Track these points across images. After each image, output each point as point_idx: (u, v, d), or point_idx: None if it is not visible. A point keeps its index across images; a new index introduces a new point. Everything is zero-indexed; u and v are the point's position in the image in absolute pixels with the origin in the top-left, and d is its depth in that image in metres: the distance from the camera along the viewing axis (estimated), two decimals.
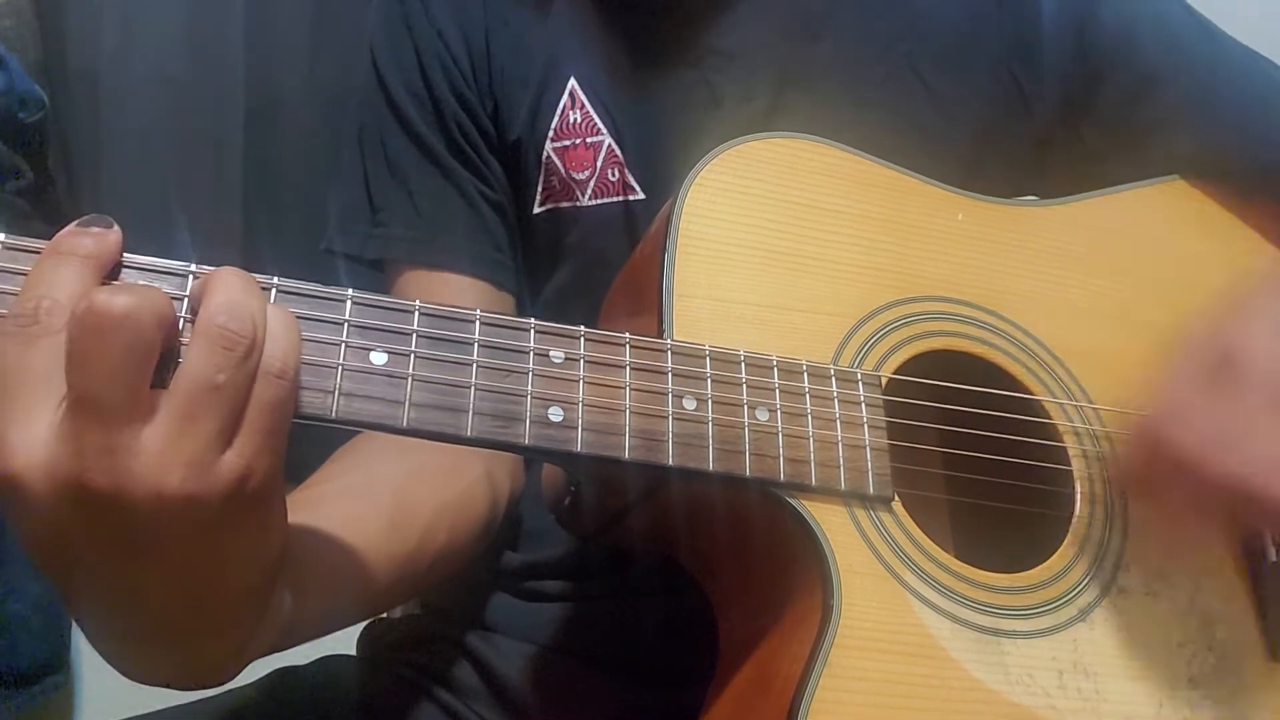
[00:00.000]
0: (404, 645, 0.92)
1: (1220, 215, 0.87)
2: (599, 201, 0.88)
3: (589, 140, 0.88)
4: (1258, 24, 0.96)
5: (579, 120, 0.88)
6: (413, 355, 0.56)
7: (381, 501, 0.72)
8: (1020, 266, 0.78)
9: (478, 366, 0.57)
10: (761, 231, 0.71)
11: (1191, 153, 0.88)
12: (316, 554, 0.63)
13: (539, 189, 0.90)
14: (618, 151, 0.88)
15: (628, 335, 0.62)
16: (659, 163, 0.87)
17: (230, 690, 0.84)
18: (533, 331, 0.60)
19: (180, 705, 0.81)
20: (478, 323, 0.58)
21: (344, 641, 0.98)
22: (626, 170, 0.88)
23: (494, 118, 0.91)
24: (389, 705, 0.84)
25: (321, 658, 0.90)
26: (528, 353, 0.59)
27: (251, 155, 1.33)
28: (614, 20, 0.90)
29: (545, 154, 0.89)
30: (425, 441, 0.57)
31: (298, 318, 0.53)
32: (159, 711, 0.80)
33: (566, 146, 0.89)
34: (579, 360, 0.60)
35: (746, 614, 0.69)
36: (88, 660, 1.37)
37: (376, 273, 0.93)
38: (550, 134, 0.89)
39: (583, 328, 0.61)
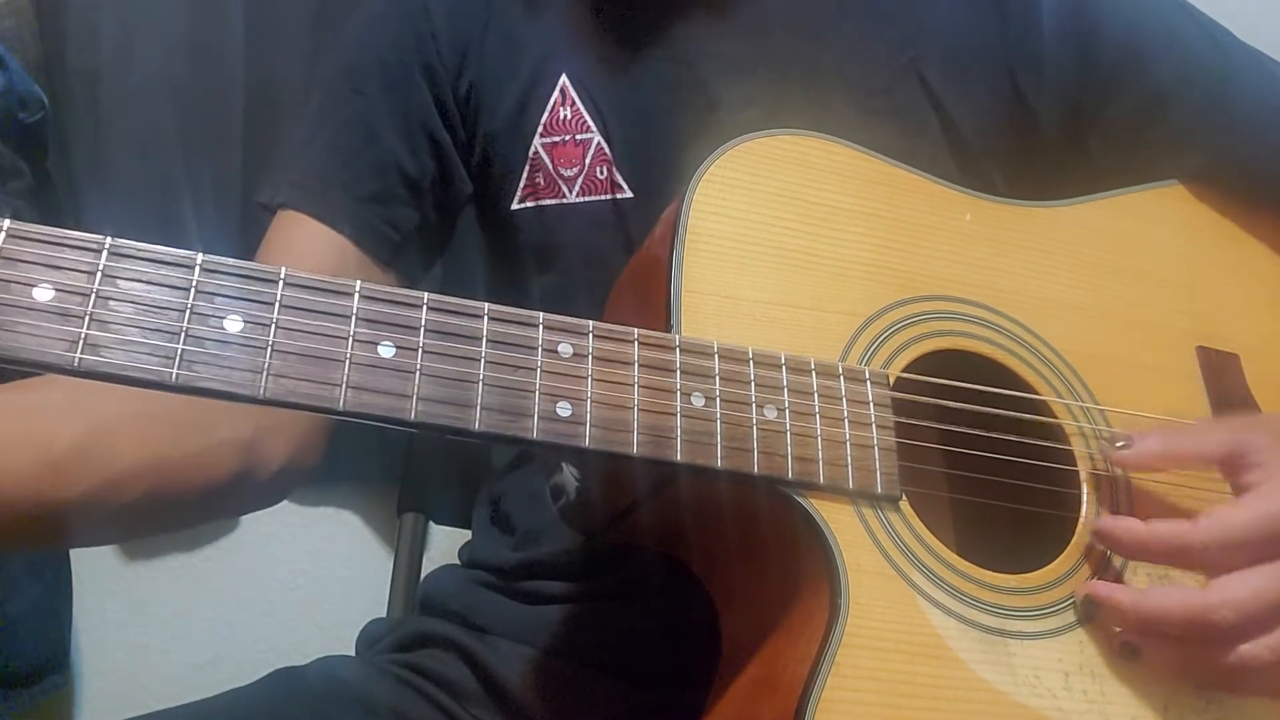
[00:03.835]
0: (403, 646, 0.92)
1: (1221, 220, 0.87)
2: (586, 199, 0.88)
3: (578, 137, 0.88)
4: (1258, 24, 0.96)
5: (569, 117, 0.88)
6: (420, 348, 0.56)
7: (48, 436, 0.68)
8: (1027, 267, 0.78)
9: (486, 360, 0.57)
10: (770, 229, 0.71)
11: (1204, 165, 0.87)
12: None
13: (521, 184, 0.90)
14: (606, 150, 0.88)
15: (636, 331, 0.62)
16: (648, 162, 0.87)
17: (230, 690, 0.84)
18: (541, 326, 0.59)
19: (180, 706, 0.81)
20: (486, 316, 0.58)
21: (344, 641, 0.98)
22: (615, 169, 0.88)
23: (467, 104, 0.91)
24: (388, 706, 0.84)
25: (321, 658, 0.90)
26: (536, 347, 0.59)
27: (252, 155, 1.32)
28: (609, 18, 0.90)
29: (533, 149, 0.89)
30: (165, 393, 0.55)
31: (305, 310, 0.53)
32: (159, 712, 0.79)
33: (556, 143, 0.88)
34: (587, 355, 0.60)
35: (751, 613, 0.68)
36: (88, 660, 1.37)
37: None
38: (540, 129, 0.89)
39: (591, 322, 0.61)
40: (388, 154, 0.90)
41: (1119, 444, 0.70)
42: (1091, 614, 0.67)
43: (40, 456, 0.67)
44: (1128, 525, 0.68)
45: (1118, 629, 0.67)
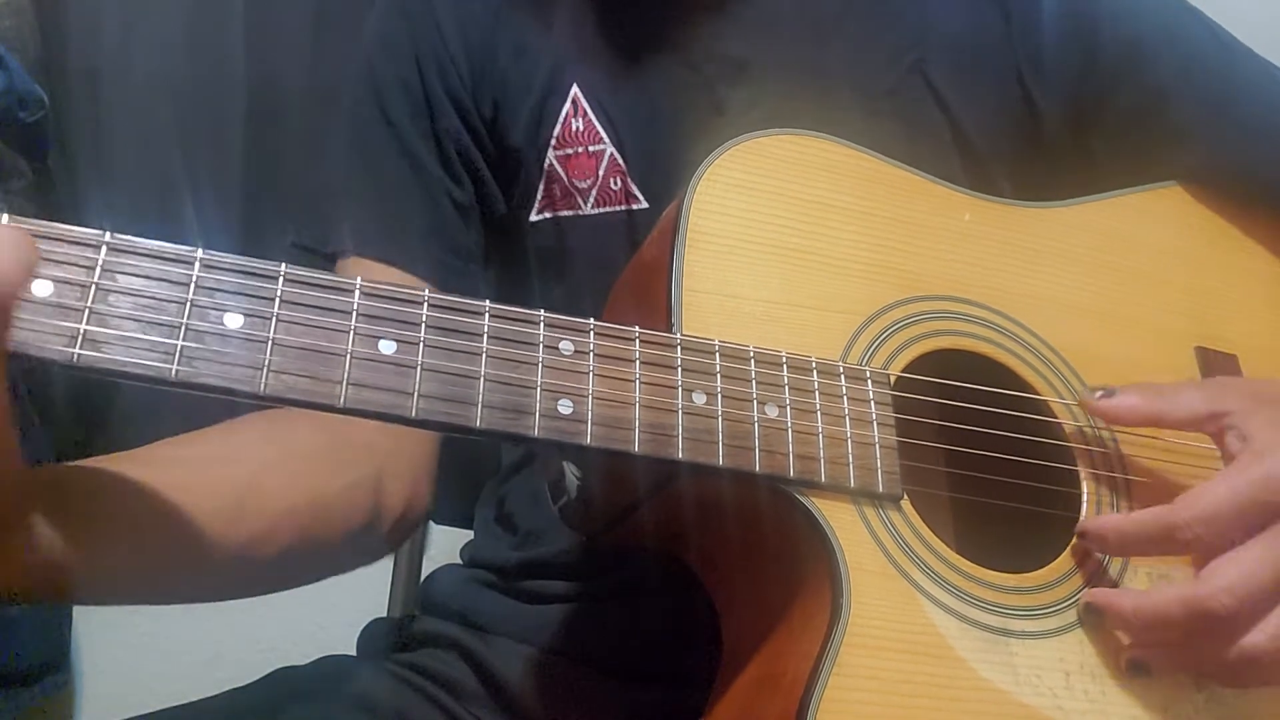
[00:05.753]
0: (403, 646, 0.92)
1: (1220, 221, 0.87)
2: (601, 210, 0.88)
3: (591, 149, 0.88)
4: (1258, 24, 0.96)
5: (581, 128, 0.88)
6: (422, 345, 0.56)
7: (223, 481, 0.69)
8: (1026, 267, 0.78)
9: (487, 357, 0.57)
10: (770, 227, 0.71)
11: (1204, 164, 0.87)
12: (107, 499, 0.61)
13: (539, 196, 0.90)
14: (620, 160, 0.87)
15: (637, 329, 0.62)
16: (662, 171, 0.87)
17: (230, 690, 0.84)
18: (542, 323, 0.59)
19: (180, 705, 0.81)
20: (487, 314, 0.58)
21: (344, 641, 0.98)
22: (629, 179, 0.87)
23: (492, 121, 0.91)
24: (388, 706, 0.84)
25: (321, 658, 0.90)
26: (537, 344, 0.58)
27: (252, 155, 1.32)
28: (617, 27, 0.90)
29: (548, 161, 0.89)
30: (310, 430, 0.58)
31: (305, 306, 0.52)
32: (159, 712, 0.79)
33: (569, 155, 0.88)
34: (589, 353, 0.60)
35: (753, 613, 0.68)
36: (88, 660, 1.37)
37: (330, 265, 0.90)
38: (553, 142, 0.89)
39: (592, 320, 0.61)
40: (436, 183, 0.90)
41: (1098, 393, 0.71)
42: (1095, 621, 0.67)
43: (209, 505, 0.66)
44: (1111, 521, 0.68)
45: (1125, 643, 0.67)
